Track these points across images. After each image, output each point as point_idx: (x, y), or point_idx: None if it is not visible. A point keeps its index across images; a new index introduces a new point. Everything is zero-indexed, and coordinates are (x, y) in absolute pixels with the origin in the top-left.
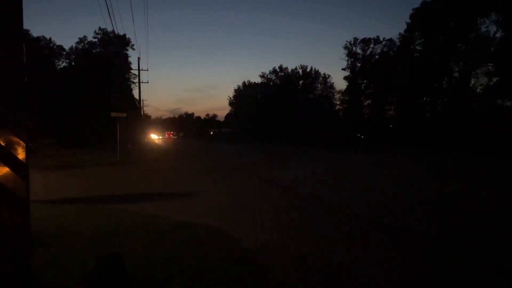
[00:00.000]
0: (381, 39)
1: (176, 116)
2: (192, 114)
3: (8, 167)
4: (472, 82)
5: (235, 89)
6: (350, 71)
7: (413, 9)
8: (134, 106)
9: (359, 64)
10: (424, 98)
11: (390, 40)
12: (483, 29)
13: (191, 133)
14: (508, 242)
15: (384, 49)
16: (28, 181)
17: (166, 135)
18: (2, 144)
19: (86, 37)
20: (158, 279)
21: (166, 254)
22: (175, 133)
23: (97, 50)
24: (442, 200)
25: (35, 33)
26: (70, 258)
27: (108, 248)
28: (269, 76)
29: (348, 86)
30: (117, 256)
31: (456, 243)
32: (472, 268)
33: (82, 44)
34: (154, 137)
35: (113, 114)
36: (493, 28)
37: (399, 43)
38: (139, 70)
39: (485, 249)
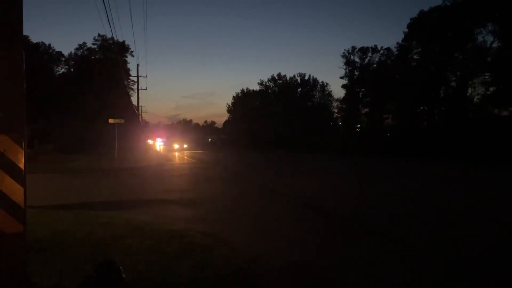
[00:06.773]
0: (379, 48)
1: (175, 123)
2: (191, 120)
3: (6, 173)
4: (469, 91)
5: (233, 96)
6: (348, 80)
7: (410, 19)
8: (132, 112)
9: (357, 73)
10: (422, 107)
11: (388, 49)
12: (480, 39)
13: (189, 139)
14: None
15: (382, 58)
16: (25, 187)
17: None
18: (0, 150)
19: (86, 43)
20: (154, 287)
21: (161, 261)
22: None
23: (96, 56)
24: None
25: (34, 39)
26: (66, 264)
27: (104, 254)
28: (267, 83)
29: (346, 94)
30: (113, 262)
31: None
32: None
33: (81, 50)
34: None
35: (111, 120)
36: (489, 38)
37: (396, 52)
38: (137, 76)
39: None
